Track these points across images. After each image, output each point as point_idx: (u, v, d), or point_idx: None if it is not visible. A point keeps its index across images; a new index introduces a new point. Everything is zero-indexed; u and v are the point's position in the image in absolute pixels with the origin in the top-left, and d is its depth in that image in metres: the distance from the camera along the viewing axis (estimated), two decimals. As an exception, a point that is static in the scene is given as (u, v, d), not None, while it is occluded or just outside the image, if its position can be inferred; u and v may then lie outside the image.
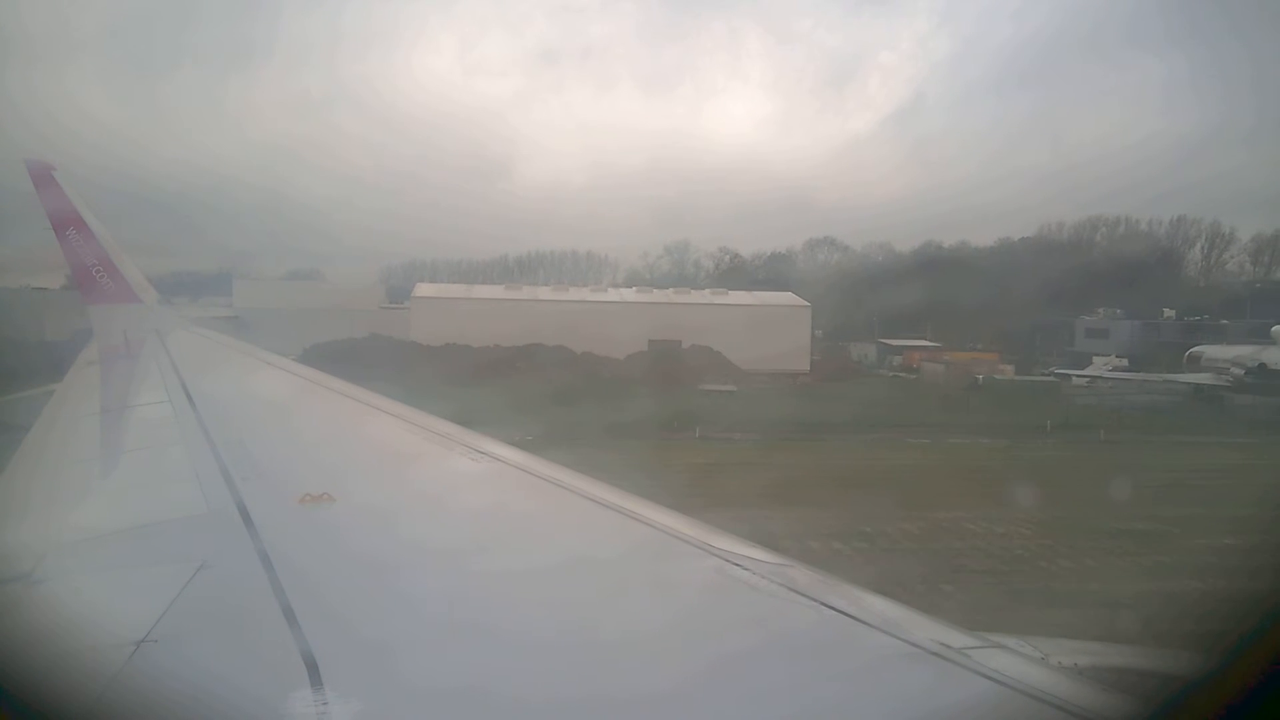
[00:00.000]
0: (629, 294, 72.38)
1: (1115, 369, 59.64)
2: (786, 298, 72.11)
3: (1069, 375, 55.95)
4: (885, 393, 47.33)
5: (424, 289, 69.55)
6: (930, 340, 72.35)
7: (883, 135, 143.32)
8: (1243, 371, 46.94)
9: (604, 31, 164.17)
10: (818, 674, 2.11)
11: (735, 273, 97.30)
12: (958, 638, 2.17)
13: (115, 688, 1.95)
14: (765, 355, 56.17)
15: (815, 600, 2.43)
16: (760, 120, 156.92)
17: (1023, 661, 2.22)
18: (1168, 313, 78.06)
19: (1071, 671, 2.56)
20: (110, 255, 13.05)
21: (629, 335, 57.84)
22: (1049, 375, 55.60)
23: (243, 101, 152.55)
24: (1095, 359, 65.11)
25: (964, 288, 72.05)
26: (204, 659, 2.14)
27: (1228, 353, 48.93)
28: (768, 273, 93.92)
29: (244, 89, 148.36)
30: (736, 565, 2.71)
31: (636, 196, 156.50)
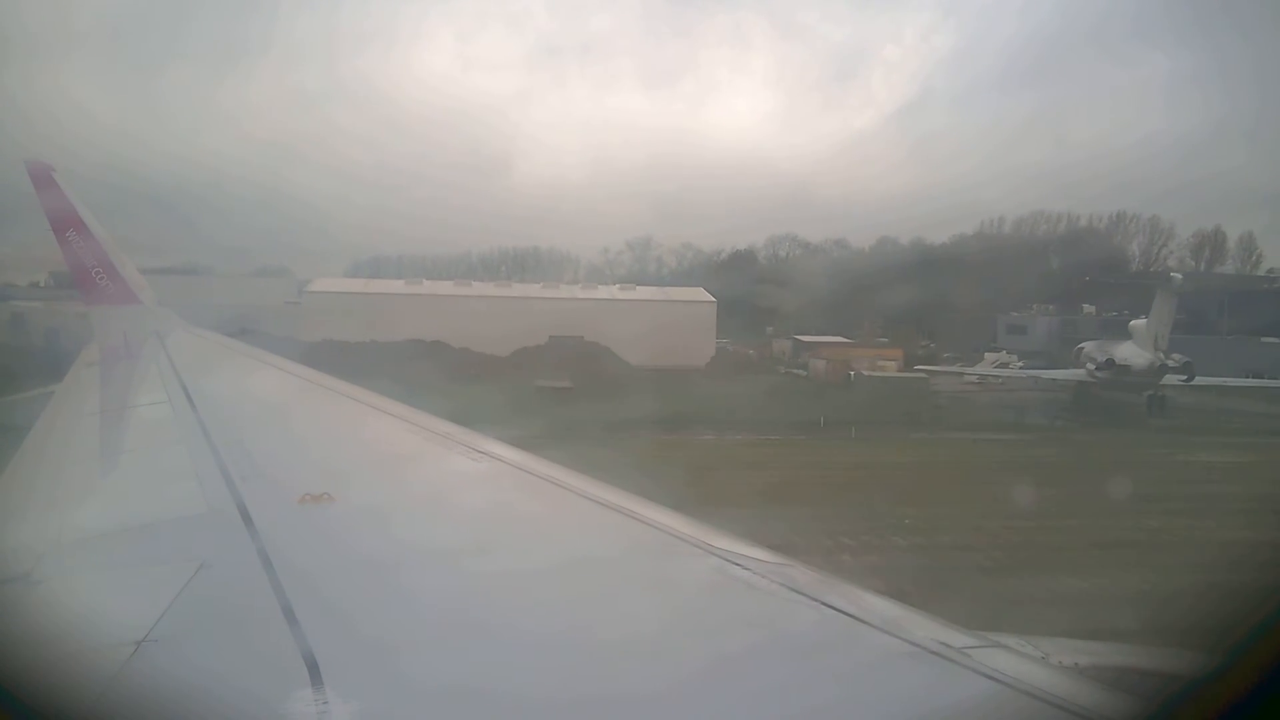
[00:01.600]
0: (534, 289, 71.36)
1: (1003, 365, 59.79)
2: (694, 294, 71.99)
3: (962, 372, 55.50)
4: (751, 388, 46.42)
5: (321, 283, 67.05)
6: (844, 337, 72.43)
7: (885, 131, 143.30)
8: (1094, 366, 46.74)
9: (604, 25, 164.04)
10: (818, 674, 2.11)
11: (699, 268, 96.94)
12: (958, 637, 2.17)
13: (115, 688, 1.95)
14: (663, 351, 55.79)
15: (815, 600, 2.43)
16: (761, 115, 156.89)
17: (1023, 661, 2.22)
18: (1088, 309, 78.50)
19: (1072, 671, 2.56)
20: (110, 256, 13.03)
21: (530, 331, 56.94)
22: (943, 372, 54.62)
23: (239, 97, 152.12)
24: (987, 355, 65.54)
25: (905, 284, 71.60)
26: (204, 659, 2.14)
27: (1101, 348, 48.48)
28: (726, 268, 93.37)
29: (241, 85, 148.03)
30: (736, 565, 2.71)
31: (637, 192, 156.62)
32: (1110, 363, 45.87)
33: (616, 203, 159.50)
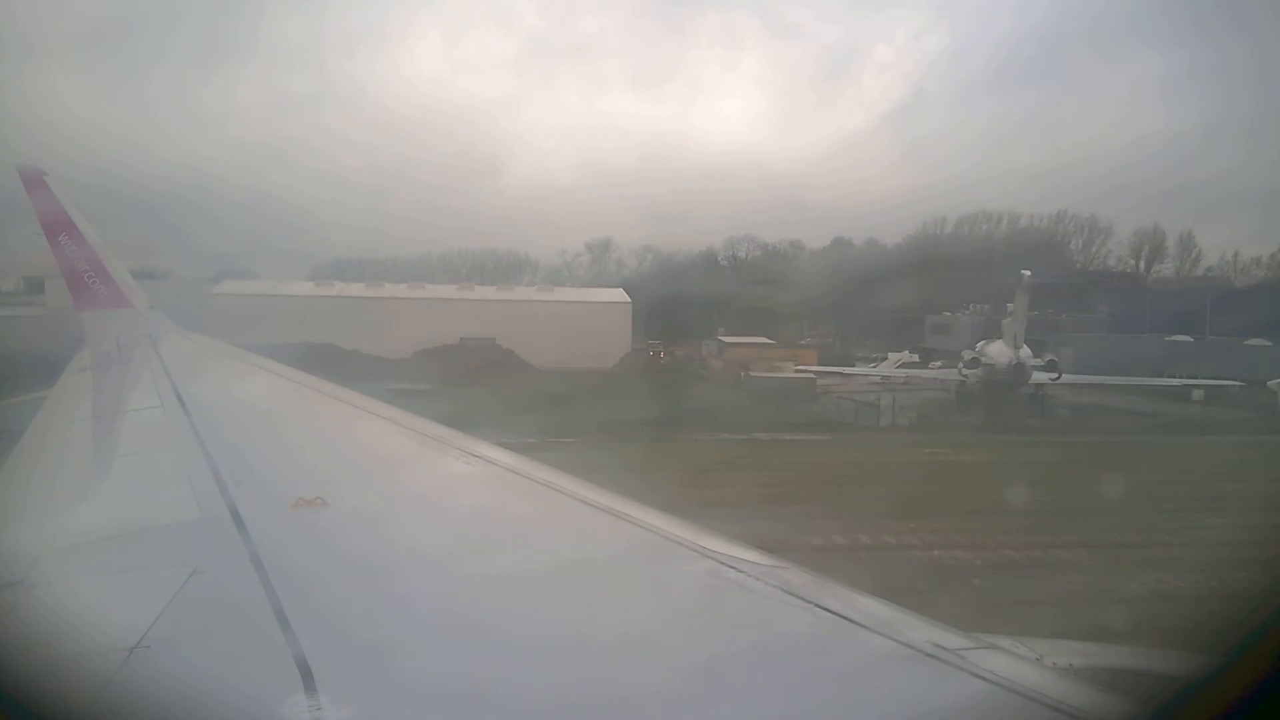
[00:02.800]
0: (449, 291, 70.77)
1: (904, 364, 59.93)
2: (612, 295, 71.95)
3: (839, 371, 55.49)
4: (628, 390, 45.60)
5: (226, 285, 65.34)
6: (768, 338, 72.66)
7: (877, 131, 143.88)
8: (961, 365, 47.13)
9: (594, 25, 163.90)
10: (813, 675, 2.11)
11: (660, 269, 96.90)
12: (952, 639, 2.17)
13: (108, 694, 1.94)
14: (572, 352, 55.13)
15: (810, 602, 2.43)
16: (753, 115, 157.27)
17: (1017, 662, 2.23)
18: (1010, 308, 78.74)
19: (1066, 672, 2.57)
20: (102, 260, 12.99)
21: (442, 333, 56.33)
22: (829, 372, 54.55)
23: (228, 100, 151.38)
24: (891, 355, 65.49)
25: (844, 285, 73.04)
26: (197, 664, 2.13)
27: (984, 348, 48.50)
28: (690, 270, 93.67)
29: (228, 87, 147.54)
30: (731, 567, 2.71)
31: (627, 194, 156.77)
32: (975, 361, 46.28)
33: (603, 204, 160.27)
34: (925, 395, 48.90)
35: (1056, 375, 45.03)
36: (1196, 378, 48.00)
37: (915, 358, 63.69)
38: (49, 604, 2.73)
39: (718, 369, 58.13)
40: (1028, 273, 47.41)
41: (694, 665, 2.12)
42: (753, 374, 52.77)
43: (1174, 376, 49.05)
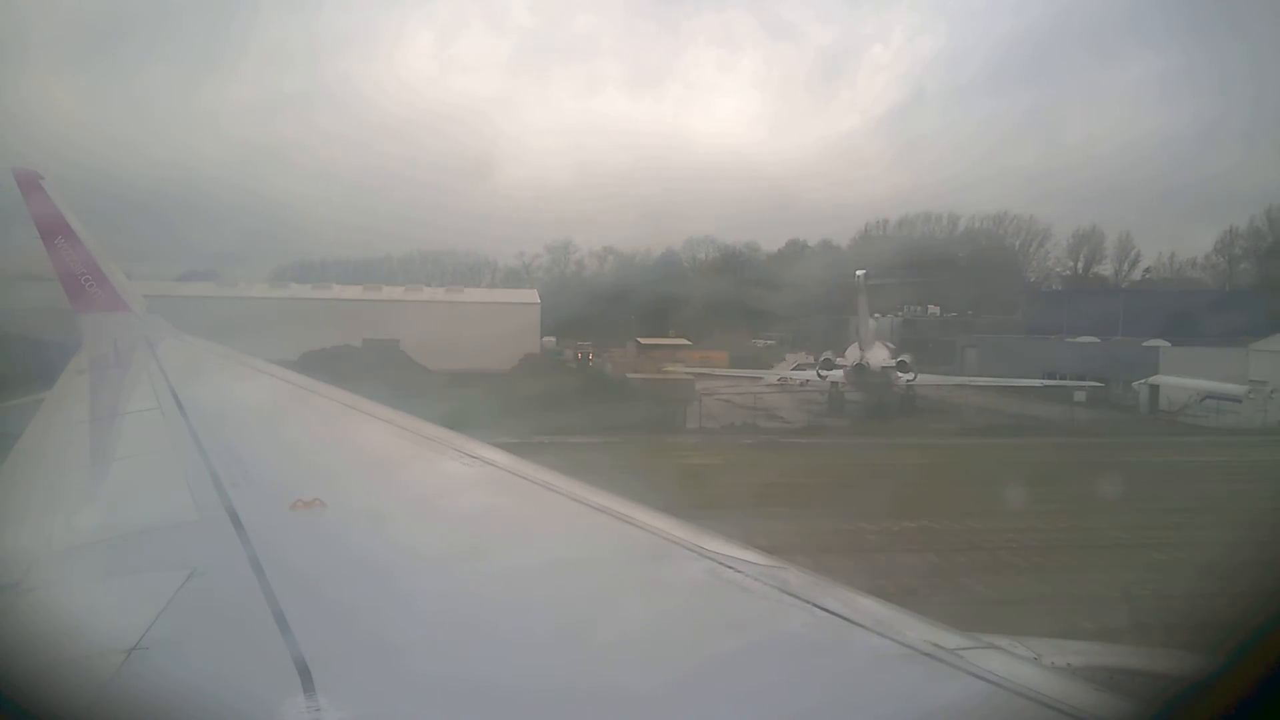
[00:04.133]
0: (354, 291, 69.56)
1: (801, 367, 59.14)
2: (522, 295, 71.72)
3: (711, 373, 54.97)
4: (507, 390, 45.26)
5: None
6: (685, 340, 72.46)
7: (871, 132, 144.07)
8: (818, 369, 46.98)
9: (587, 25, 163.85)
10: (811, 676, 2.11)
11: (627, 270, 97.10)
12: (951, 638, 2.18)
13: (107, 695, 1.94)
14: (473, 353, 54.45)
15: (808, 602, 2.44)
16: (745, 116, 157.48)
17: (1015, 662, 2.23)
18: (932, 309, 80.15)
19: (1064, 672, 2.57)
20: (98, 263, 12.96)
21: (345, 334, 54.68)
22: (710, 374, 54.07)
23: (220, 100, 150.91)
24: (788, 356, 65.77)
25: (780, 286, 73.13)
26: (196, 666, 2.13)
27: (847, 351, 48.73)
28: (655, 271, 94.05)
29: (222, 88, 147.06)
30: (729, 568, 2.71)
31: (621, 193, 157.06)
32: (827, 362, 46.31)
33: (597, 204, 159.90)
34: (798, 398, 48.33)
35: (912, 376, 45.07)
36: (1087, 378, 48.67)
37: (811, 360, 63.17)
38: (47, 605, 2.73)
39: (607, 370, 57.80)
40: (862, 272, 47.55)
41: (692, 665, 2.12)
42: (629, 375, 52.67)
43: (1067, 377, 49.83)
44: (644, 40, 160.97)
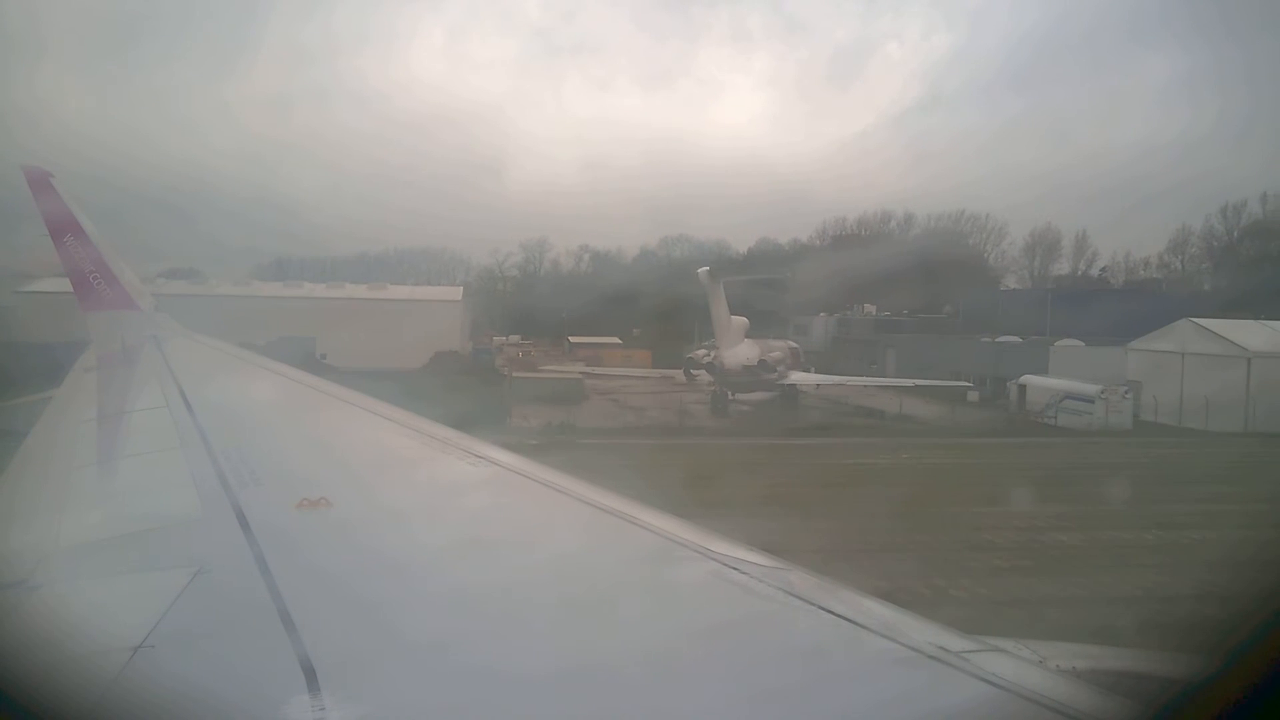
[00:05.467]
0: (275, 289, 68.84)
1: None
2: (444, 293, 70.82)
3: (592, 372, 54.90)
4: (394, 390, 44.33)
5: (36, 284, 59.48)
6: (616, 339, 72.84)
7: (885, 131, 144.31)
8: (686, 366, 46.48)
9: (601, 21, 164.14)
10: (816, 678, 2.11)
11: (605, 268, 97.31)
12: (956, 641, 2.17)
13: (112, 693, 1.95)
14: (385, 351, 52.02)
15: (813, 604, 2.43)
16: (755, 115, 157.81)
17: (1021, 665, 2.22)
18: (868, 308, 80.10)
19: (1069, 675, 2.56)
20: (107, 261, 13.01)
21: (262, 332, 50.81)
22: (601, 373, 54.08)
23: (231, 98, 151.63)
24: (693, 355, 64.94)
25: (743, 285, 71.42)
26: (202, 664, 2.14)
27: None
28: (628, 270, 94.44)
29: (233, 85, 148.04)
30: (734, 569, 2.71)
31: (628, 190, 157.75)
32: (690, 362, 45.89)
33: (608, 199, 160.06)
34: (690, 398, 46.84)
35: (776, 375, 44.92)
36: (990, 378, 49.57)
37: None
38: (54, 603, 2.74)
39: (511, 369, 57.05)
40: (704, 270, 47.00)
41: (698, 667, 2.12)
42: (514, 374, 52.40)
43: (969, 377, 50.55)
44: (656, 37, 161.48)
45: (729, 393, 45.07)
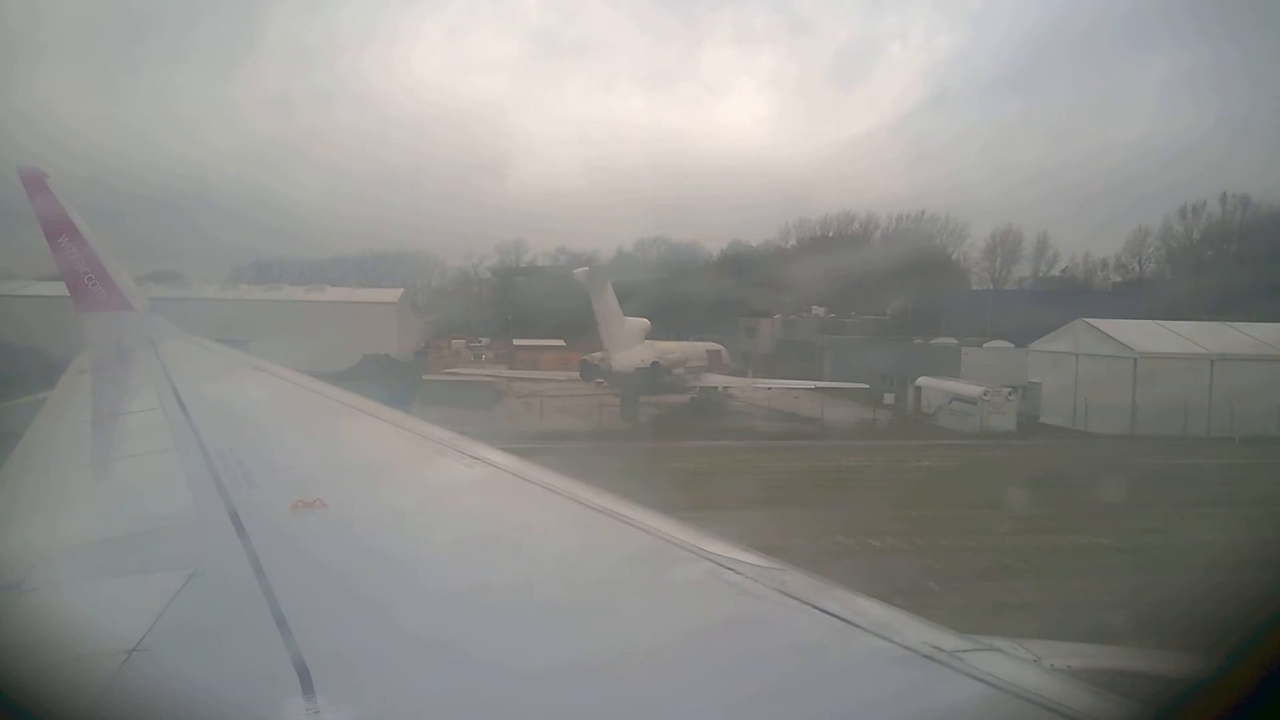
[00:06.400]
0: (208, 290, 66.45)
1: None
2: (381, 295, 70.26)
3: (500, 375, 54.09)
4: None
5: None
6: (560, 341, 70.12)
7: (889, 132, 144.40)
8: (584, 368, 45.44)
9: (603, 22, 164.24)
10: (811, 678, 2.11)
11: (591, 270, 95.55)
12: (951, 640, 2.17)
13: (107, 696, 1.94)
14: (321, 353, 48.45)
15: (808, 604, 2.43)
16: (758, 116, 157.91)
17: (1016, 664, 2.23)
18: (816, 310, 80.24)
19: (1065, 674, 2.57)
20: (102, 262, 12.98)
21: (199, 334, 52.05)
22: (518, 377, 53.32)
23: (231, 98, 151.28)
24: None
25: (691, 287, 71.53)
26: (196, 667, 2.13)
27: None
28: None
29: (234, 86, 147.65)
30: (729, 569, 2.71)
31: (632, 189, 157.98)
32: (585, 365, 44.87)
33: (608, 199, 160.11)
34: (605, 400, 45.06)
35: (671, 378, 44.39)
36: (911, 379, 48.53)
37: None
38: (49, 606, 2.73)
39: (430, 372, 56.17)
40: (582, 270, 46.63)
41: (692, 667, 2.12)
42: (424, 377, 51.72)
43: (893, 379, 50.05)
44: (659, 37, 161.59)
45: (637, 396, 44.18)
